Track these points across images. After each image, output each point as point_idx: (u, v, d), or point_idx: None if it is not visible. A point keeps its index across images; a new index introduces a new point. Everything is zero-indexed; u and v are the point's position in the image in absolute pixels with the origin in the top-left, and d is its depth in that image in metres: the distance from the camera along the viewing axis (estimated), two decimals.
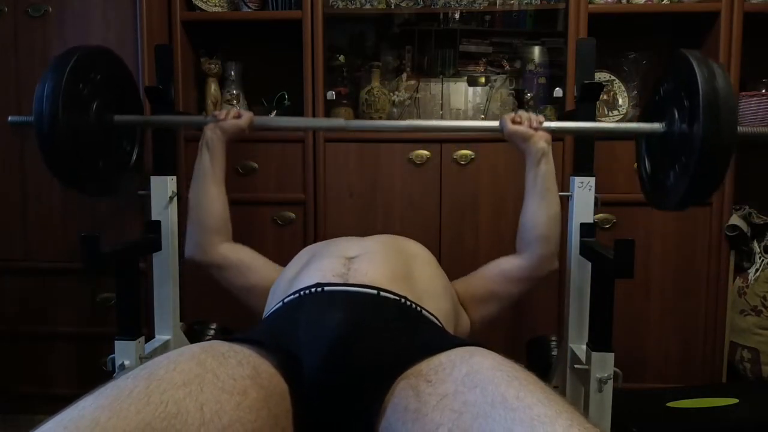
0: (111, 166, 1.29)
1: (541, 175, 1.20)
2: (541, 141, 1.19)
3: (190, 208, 1.27)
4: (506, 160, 1.80)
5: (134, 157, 1.39)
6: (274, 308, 0.94)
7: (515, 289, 1.22)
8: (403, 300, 0.88)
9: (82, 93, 1.17)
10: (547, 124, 1.22)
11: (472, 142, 1.82)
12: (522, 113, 1.23)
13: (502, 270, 1.22)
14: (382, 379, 0.73)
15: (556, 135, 1.79)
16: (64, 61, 1.12)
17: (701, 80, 0.98)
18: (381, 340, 0.77)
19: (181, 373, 0.61)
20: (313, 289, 0.88)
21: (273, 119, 1.36)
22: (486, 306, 1.21)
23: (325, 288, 0.88)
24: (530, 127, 1.20)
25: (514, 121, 1.21)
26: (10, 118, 1.24)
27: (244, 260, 1.24)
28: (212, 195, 1.25)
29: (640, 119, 1.29)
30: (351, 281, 0.89)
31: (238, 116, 1.27)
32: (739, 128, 1.02)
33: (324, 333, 0.75)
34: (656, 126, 1.16)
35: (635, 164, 1.33)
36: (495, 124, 1.25)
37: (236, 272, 1.23)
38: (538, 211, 1.19)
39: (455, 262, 1.82)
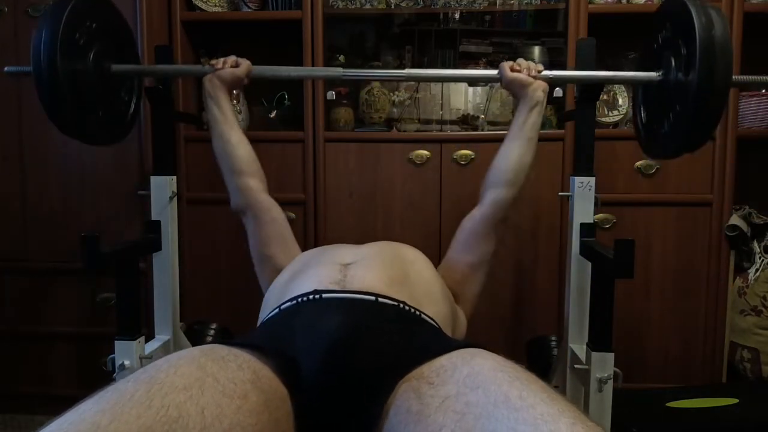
0: (110, 115, 1.29)
1: (531, 123, 1.21)
2: (539, 90, 1.21)
3: (218, 159, 1.29)
4: None
5: (132, 108, 1.39)
6: (270, 314, 0.93)
7: (487, 244, 1.21)
8: (401, 305, 0.87)
9: (79, 41, 1.16)
10: (545, 72, 1.23)
11: (472, 142, 1.82)
12: (521, 61, 1.24)
13: (469, 232, 1.21)
14: (382, 381, 0.72)
15: (555, 138, 1.80)
16: (60, 9, 1.11)
17: (699, 27, 0.97)
18: (380, 342, 0.77)
19: (181, 377, 0.61)
20: (310, 296, 0.87)
21: (270, 68, 1.36)
22: (473, 279, 1.21)
23: (323, 295, 0.87)
24: (529, 74, 1.21)
25: (513, 69, 1.23)
26: (6, 69, 1.22)
27: (277, 219, 1.27)
28: (233, 138, 1.27)
29: (637, 67, 1.29)
30: (348, 288, 0.89)
31: (236, 65, 1.29)
32: (734, 77, 1.02)
33: (322, 336, 0.75)
34: (652, 75, 1.16)
35: (632, 111, 1.32)
36: (494, 72, 1.26)
37: (271, 227, 1.25)
38: (515, 153, 1.20)
39: None
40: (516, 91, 1.23)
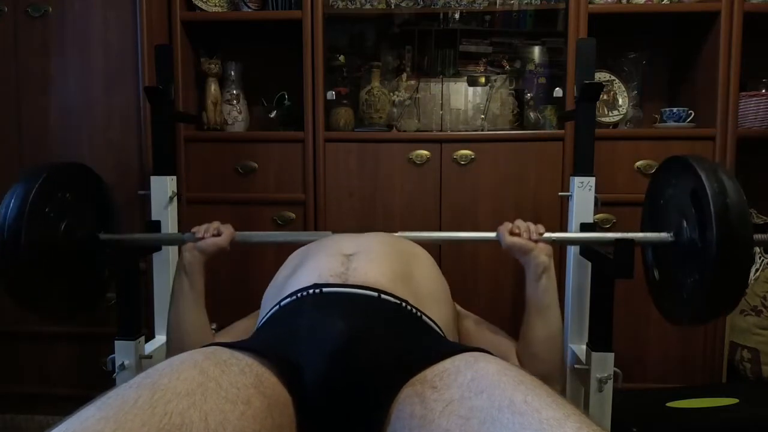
0: (78, 288, 1.23)
1: (541, 291, 1.08)
2: (542, 254, 1.09)
3: (171, 333, 1.17)
4: (506, 160, 1.80)
5: (105, 279, 1.33)
6: (271, 312, 0.91)
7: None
8: (404, 304, 0.86)
9: (50, 214, 1.13)
10: (547, 235, 1.13)
11: (472, 142, 1.82)
12: (520, 223, 1.14)
13: (501, 356, 1.09)
14: (385, 387, 0.72)
15: (555, 138, 1.80)
16: (32, 179, 1.08)
17: (712, 195, 0.93)
18: (383, 349, 0.76)
19: (184, 382, 0.61)
20: (311, 291, 0.86)
21: (255, 234, 1.30)
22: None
23: (324, 289, 0.86)
24: (530, 238, 1.11)
25: (512, 232, 1.13)
26: None
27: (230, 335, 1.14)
28: (192, 321, 1.16)
29: (641, 222, 1.25)
30: (350, 282, 0.87)
31: (218, 233, 1.20)
32: (756, 237, 0.97)
33: (325, 344, 0.74)
34: (664, 236, 1.11)
35: (644, 273, 1.27)
36: (492, 235, 1.18)
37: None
38: (534, 329, 1.07)
39: (455, 263, 1.82)
40: (517, 256, 1.13)
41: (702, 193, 0.95)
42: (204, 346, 0.74)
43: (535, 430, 0.54)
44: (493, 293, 1.83)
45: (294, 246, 1.17)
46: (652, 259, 1.23)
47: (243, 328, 1.14)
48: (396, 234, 1.22)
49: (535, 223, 1.16)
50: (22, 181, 1.09)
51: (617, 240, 1.11)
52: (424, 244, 1.18)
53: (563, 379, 1.34)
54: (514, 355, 1.08)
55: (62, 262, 1.17)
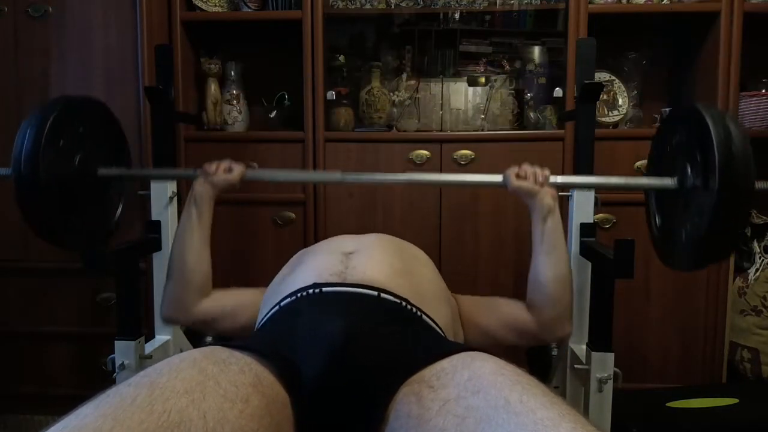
0: (95, 219, 1.25)
1: (548, 233, 1.11)
2: (548, 197, 1.12)
3: (173, 266, 1.18)
4: (506, 160, 1.79)
5: (119, 210, 1.35)
6: (271, 312, 0.91)
7: (516, 340, 1.13)
8: (403, 303, 0.86)
9: (65, 147, 1.13)
10: (552, 178, 1.16)
11: (472, 142, 1.82)
12: (527, 167, 1.16)
13: (512, 317, 1.12)
14: (383, 387, 0.72)
15: (555, 138, 1.80)
16: (46, 113, 1.09)
17: (717, 142, 0.94)
18: (382, 348, 0.76)
19: (182, 381, 0.60)
20: (310, 290, 0.86)
21: (265, 172, 1.31)
22: (483, 337, 1.13)
23: (323, 289, 0.86)
24: (535, 182, 1.14)
25: (518, 176, 1.15)
26: None
27: (228, 307, 1.17)
28: (198, 254, 1.17)
29: (647, 168, 1.25)
30: (349, 280, 0.87)
31: (229, 170, 1.22)
32: (757, 185, 0.97)
33: (323, 343, 0.74)
34: (668, 181, 1.12)
35: (646, 219, 1.27)
36: (498, 178, 1.20)
37: (222, 321, 1.17)
38: (544, 270, 1.10)
39: (455, 263, 1.82)
40: (523, 199, 1.16)
41: (707, 138, 0.95)
42: (203, 347, 0.74)
43: (529, 430, 0.54)
44: (494, 293, 1.83)
45: (292, 245, 1.17)
46: (656, 205, 1.23)
47: (243, 297, 1.16)
48: (403, 176, 1.21)
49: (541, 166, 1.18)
50: (38, 114, 1.10)
51: (617, 240, 1.10)
52: (424, 244, 1.18)
53: (562, 375, 1.36)
54: (524, 310, 1.11)
55: (77, 193, 1.18)
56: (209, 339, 1.56)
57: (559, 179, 1.18)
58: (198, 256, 1.17)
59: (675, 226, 1.12)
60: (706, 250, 1.01)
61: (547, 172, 1.16)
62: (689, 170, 1.05)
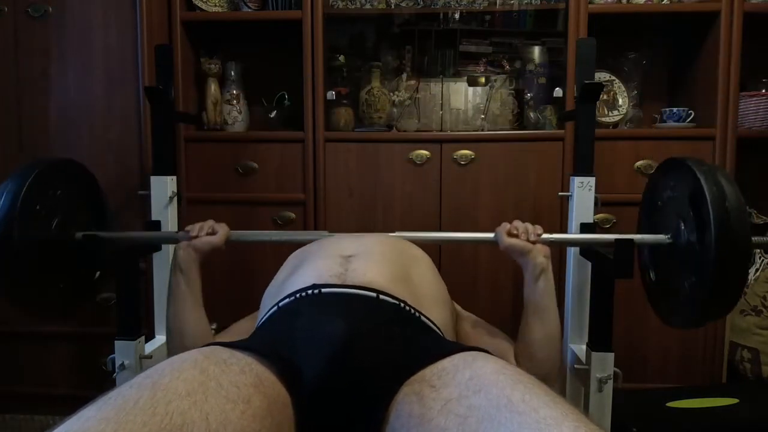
0: (71, 285, 1.23)
1: (539, 293, 1.08)
2: (540, 255, 1.09)
3: (170, 334, 1.15)
4: (506, 160, 1.80)
5: (97, 274, 1.33)
6: (270, 313, 0.91)
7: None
8: (402, 305, 0.86)
9: (40, 212, 1.12)
10: (545, 236, 1.13)
11: (472, 142, 1.82)
12: (518, 224, 1.14)
13: (500, 356, 1.07)
14: (383, 387, 0.72)
15: (555, 138, 1.80)
16: (23, 177, 1.08)
17: (711, 200, 0.94)
18: (381, 347, 0.76)
19: (184, 382, 0.61)
20: (309, 291, 0.86)
21: (250, 234, 1.29)
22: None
23: (322, 290, 0.86)
24: (528, 240, 1.11)
25: (510, 233, 1.13)
26: None
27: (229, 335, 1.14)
28: (193, 321, 1.13)
29: (638, 224, 1.25)
30: (349, 282, 0.87)
31: (212, 232, 1.18)
32: (754, 240, 0.98)
33: (323, 344, 0.74)
34: (661, 237, 1.12)
35: (640, 273, 1.27)
36: (490, 236, 1.18)
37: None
38: (532, 330, 1.07)
39: (455, 263, 1.82)
40: (515, 258, 1.13)
41: (701, 196, 0.95)
42: (204, 346, 0.74)
43: (532, 429, 0.54)
44: (493, 295, 1.83)
45: (292, 246, 1.17)
46: (649, 260, 1.23)
47: (242, 329, 1.13)
48: (393, 234, 1.22)
49: (534, 223, 1.15)
50: (14, 178, 1.09)
51: (617, 240, 1.11)
52: (424, 244, 1.18)
53: (562, 380, 1.35)
54: (512, 356, 1.07)
55: (54, 259, 1.16)
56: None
57: (552, 236, 1.15)
58: (193, 321, 1.13)
59: (671, 282, 1.11)
60: (708, 309, 0.99)
61: (539, 229, 1.13)
62: (683, 226, 1.04)
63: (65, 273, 1.21)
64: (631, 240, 1.10)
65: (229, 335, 1.13)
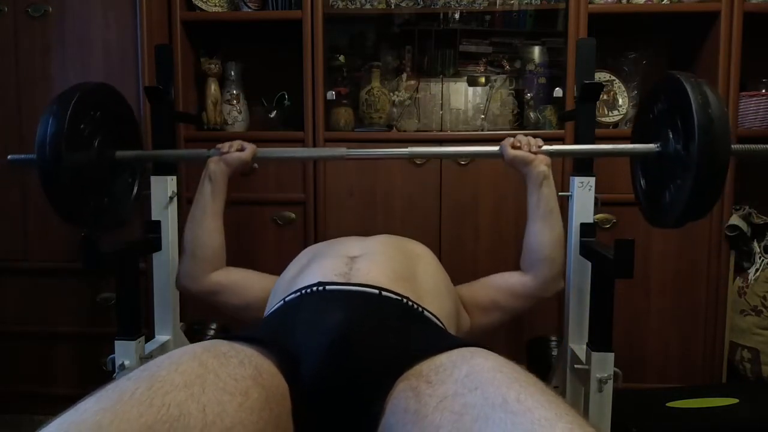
0: (114, 201, 1.30)
1: (544, 198, 1.20)
2: (542, 164, 1.20)
3: (187, 240, 1.25)
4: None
5: (136, 190, 1.40)
6: (275, 307, 0.94)
7: (518, 304, 1.23)
8: (404, 300, 0.88)
9: (84, 132, 1.18)
10: (545, 147, 1.23)
11: (472, 142, 1.82)
12: (521, 137, 1.23)
13: (508, 284, 1.24)
14: (381, 380, 0.72)
15: (555, 138, 1.80)
16: (66, 100, 1.13)
17: (696, 107, 1.01)
18: (380, 341, 0.77)
19: (182, 374, 0.61)
20: (314, 288, 0.88)
21: (276, 150, 1.39)
22: (488, 315, 1.23)
23: (327, 287, 0.88)
24: (530, 151, 1.21)
25: (513, 146, 1.22)
26: (10, 157, 1.25)
27: (238, 281, 1.24)
28: (211, 229, 1.24)
29: (632, 136, 1.31)
30: (353, 280, 0.90)
31: (242, 149, 1.27)
32: (733, 147, 1.05)
33: (323, 334, 0.75)
34: (651, 147, 1.19)
35: (632, 184, 1.35)
36: (495, 149, 1.26)
37: (230, 294, 1.23)
38: (541, 234, 1.20)
39: (455, 262, 1.82)
40: (519, 168, 1.23)
41: (687, 104, 1.02)
42: (204, 341, 0.75)
43: (527, 429, 0.54)
44: None
45: (292, 245, 1.18)
46: (640, 170, 1.29)
47: (254, 278, 1.24)
48: (405, 150, 1.30)
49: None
50: (58, 101, 1.14)
51: (617, 241, 1.10)
52: (425, 239, 1.22)
53: (562, 380, 1.36)
54: (520, 274, 1.23)
55: (96, 176, 1.23)
56: (209, 338, 1.56)
57: (552, 148, 1.25)
58: (211, 231, 1.24)
59: (658, 188, 1.18)
60: (688, 209, 1.07)
61: (540, 141, 1.23)
62: (671, 136, 1.12)
63: (107, 188, 1.28)
64: (632, 241, 1.09)
65: (240, 271, 1.26)
